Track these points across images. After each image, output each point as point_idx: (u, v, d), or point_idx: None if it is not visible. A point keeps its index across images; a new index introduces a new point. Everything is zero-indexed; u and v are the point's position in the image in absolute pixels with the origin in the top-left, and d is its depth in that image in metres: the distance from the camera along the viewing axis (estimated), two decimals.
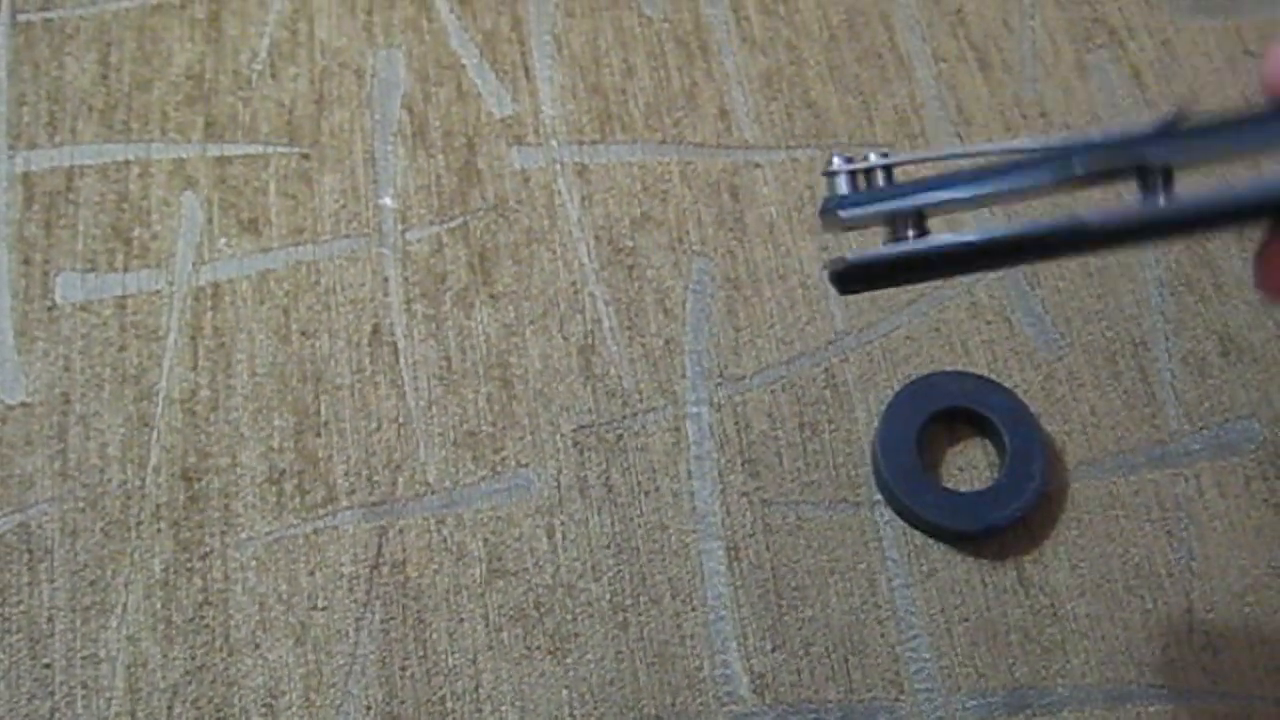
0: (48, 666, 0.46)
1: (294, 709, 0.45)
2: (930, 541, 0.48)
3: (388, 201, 0.53)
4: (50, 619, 0.46)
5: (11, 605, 0.46)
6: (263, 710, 0.45)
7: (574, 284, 0.51)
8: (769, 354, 0.50)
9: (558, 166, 0.53)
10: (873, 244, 0.34)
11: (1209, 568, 0.47)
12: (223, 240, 0.52)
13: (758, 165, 0.54)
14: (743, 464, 0.49)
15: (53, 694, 0.45)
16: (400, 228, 0.52)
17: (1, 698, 0.45)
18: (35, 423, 0.49)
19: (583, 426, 0.49)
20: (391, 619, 0.46)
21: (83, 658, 0.46)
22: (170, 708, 0.45)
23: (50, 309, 0.51)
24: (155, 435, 0.49)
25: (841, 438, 0.49)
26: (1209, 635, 0.46)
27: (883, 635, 0.46)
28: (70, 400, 0.49)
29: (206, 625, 0.46)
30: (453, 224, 0.52)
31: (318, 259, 0.52)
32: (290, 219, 0.52)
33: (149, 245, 0.52)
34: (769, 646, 0.46)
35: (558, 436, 0.49)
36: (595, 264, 0.52)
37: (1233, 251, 0.53)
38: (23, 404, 0.49)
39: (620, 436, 0.49)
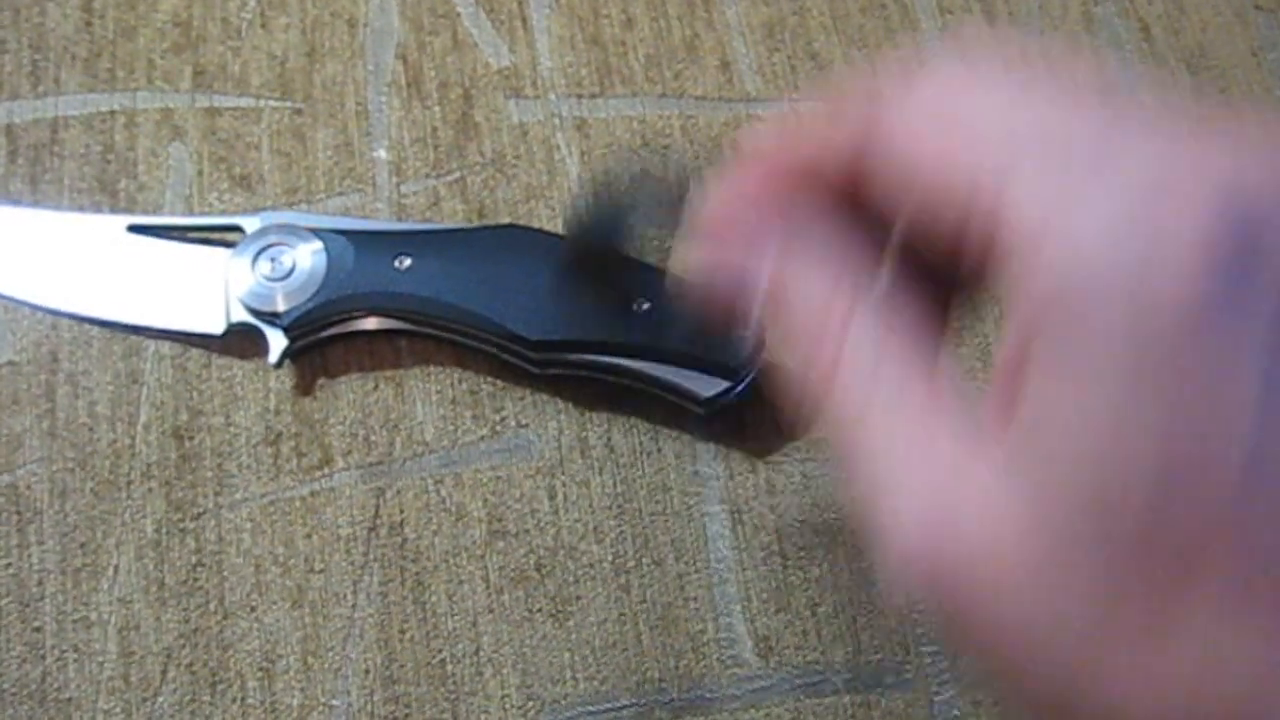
0: (38, 630, 0.45)
1: (291, 672, 0.44)
2: None
3: (382, 154, 0.52)
4: (40, 581, 0.45)
5: (0, 568, 0.45)
6: (259, 674, 0.44)
7: None
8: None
9: (556, 120, 0.52)
10: None
11: None
12: (213, 195, 0.51)
13: (760, 119, 0.53)
14: (745, 423, 0.48)
15: (44, 658, 0.44)
16: (395, 181, 0.51)
17: None
18: (22, 381, 0.48)
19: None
20: (390, 581, 0.46)
21: (74, 621, 0.45)
22: (164, 671, 0.44)
23: None
24: (145, 392, 0.48)
25: None
26: None
27: (890, 596, 0.46)
28: (58, 358, 0.48)
29: (200, 588, 0.45)
30: (449, 178, 0.51)
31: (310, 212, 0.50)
32: (285, 177, 0.51)
33: (136, 198, 0.51)
34: (773, 608, 0.46)
35: (559, 396, 0.48)
36: None
37: None
38: (10, 362, 0.48)
39: (622, 396, 0.48)
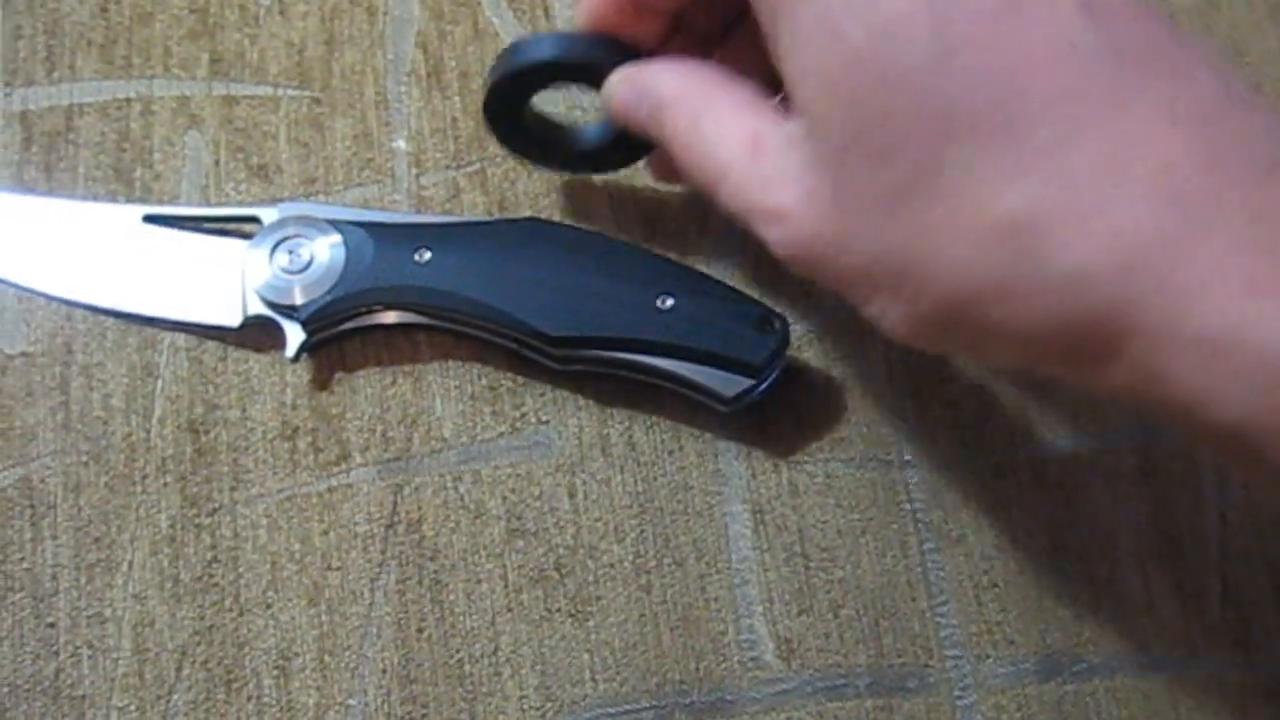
0: (52, 626, 0.44)
1: (307, 671, 0.44)
2: (962, 505, 0.46)
3: (401, 144, 0.51)
4: (54, 576, 0.45)
5: (14, 562, 0.45)
6: (275, 672, 0.44)
7: None
8: (795, 305, 0.49)
9: (579, 111, 0.51)
10: None
11: (1240, 535, 0.46)
12: (230, 185, 0.50)
13: None
14: (768, 422, 0.47)
15: (57, 654, 0.44)
16: (414, 172, 0.50)
17: (5, 658, 0.44)
18: (36, 373, 0.47)
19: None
20: (408, 579, 0.45)
21: (88, 617, 0.44)
22: (179, 669, 0.44)
23: None
24: (160, 385, 0.47)
25: (870, 391, 0.48)
26: (1240, 606, 0.45)
27: (913, 599, 0.45)
28: (72, 350, 0.47)
29: (216, 584, 0.45)
30: (470, 169, 0.50)
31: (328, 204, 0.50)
32: (302, 167, 0.50)
33: (151, 186, 0.50)
34: (795, 610, 0.45)
35: (580, 393, 0.47)
36: (614, 212, 0.50)
37: None
38: (23, 353, 0.47)
39: (643, 393, 0.47)
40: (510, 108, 0.45)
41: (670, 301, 0.45)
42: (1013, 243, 0.31)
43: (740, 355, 0.45)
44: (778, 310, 0.46)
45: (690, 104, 0.39)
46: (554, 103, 0.51)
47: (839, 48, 0.33)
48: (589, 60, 0.43)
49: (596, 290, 0.46)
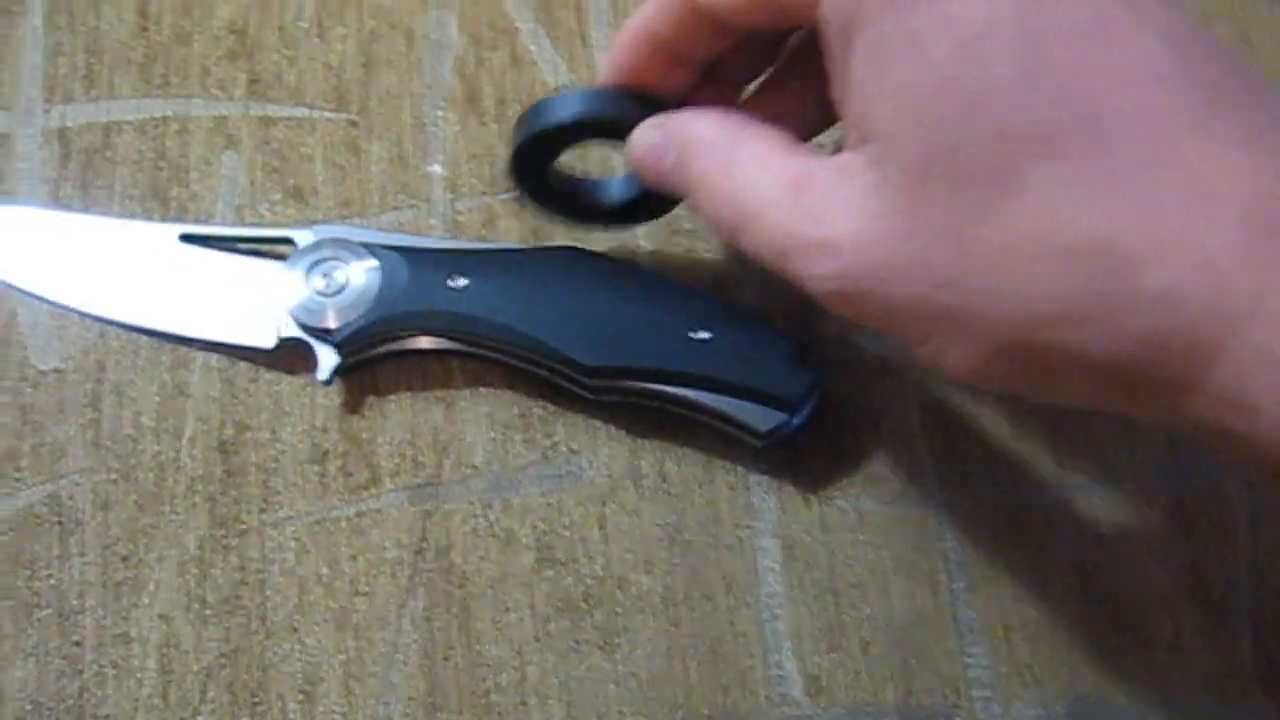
0: (77, 644, 0.44)
1: (332, 696, 0.43)
2: (993, 544, 0.46)
3: (437, 169, 0.51)
4: (81, 594, 0.44)
5: (41, 579, 0.45)
6: (300, 697, 0.43)
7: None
8: (829, 340, 0.48)
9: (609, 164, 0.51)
10: None
11: (1273, 579, 0.46)
12: (265, 206, 0.50)
13: None
14: (800, 456, 0.47)
15: (81, 673, 0.44)
16: (450, 197, 0.50)
17: (30, 676, 0.43)
18: (68, 389, 0.47)
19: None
20: (435, 606, 0.45)
21: (113, 636, 0.44)
22: (204, 691, 0.43)
23: None
24: (191, 405, 0.47)
25: (903, 428, 0.47)
26: (1271, 651, 0.45)
27: (942, 638, 0.45)
28: (105, 367, 0.47)
29: (243, 606, 0.44)
30: (505, 196, 0.50)
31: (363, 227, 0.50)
32: (338, 190, 0.50)
33: (187, 206, 0.50)
34: (825, 647, 0.45)
35: (612, 423, 0.47)
36: (652, 245, 0.50)
37: None
38: (56, 370, 0.47)
39: (675, 424, 0.47)
40: (536, 168, 0.45)
41: (706, 334, 0.45)
42: (1096, 263, 0.30)
43: (775, 389, 0.45)
44: (813, 344, 0.46)
45: (722, 146, 0.39)
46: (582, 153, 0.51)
47: (923, 64, 0.32)
48: (616, 117, 0.42)
49: (632, 321, 0.46)
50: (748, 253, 0.38)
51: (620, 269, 0.48)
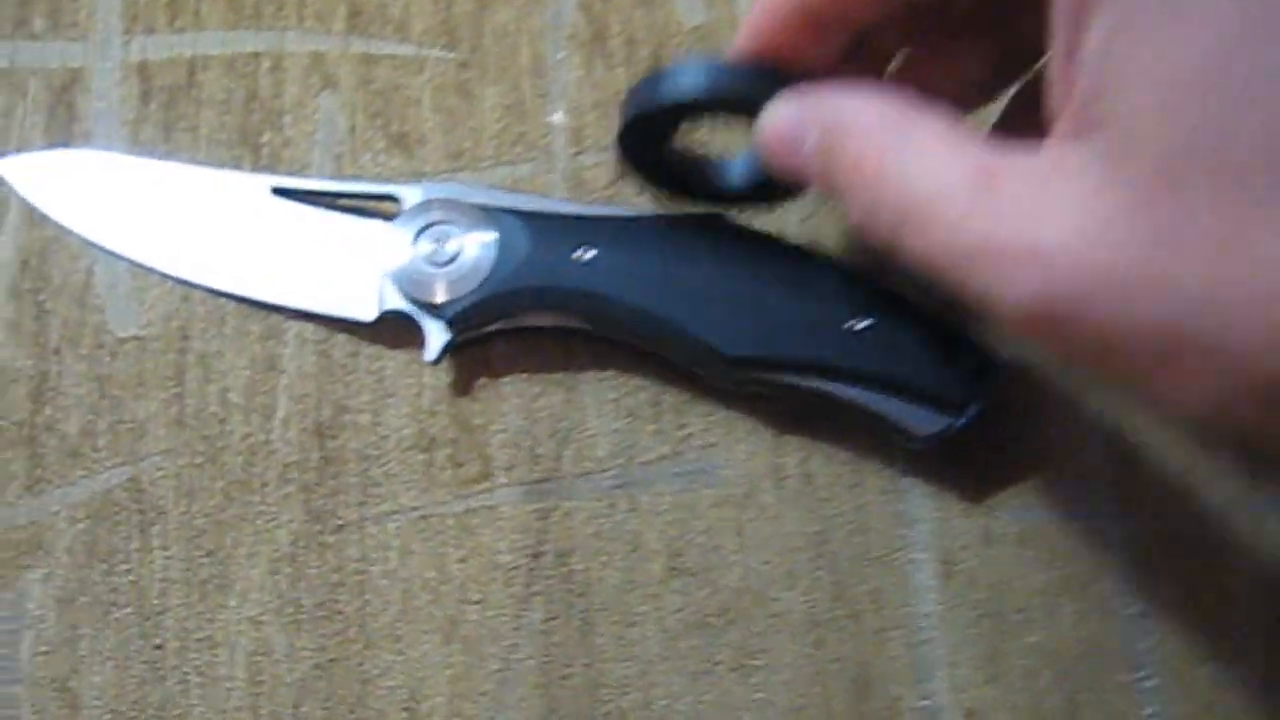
0: (159, 648, 0.40)
1: (438, 716, 0.39)
2: (1174, 565, 0.41)
3: (558, 118, 0.45)
4: (163, 593, 0.40)
5: (120, 574, 0.40)
6: (402, 714, 0.39)
7: None
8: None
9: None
10: None
11: None
12: (367, 156, 0.45)
13: None
14: (962, 459, 0.42)
15: (164, 679, 0.39)
16: (572, 150, 0.45)
17: (108, 681, 0.39)
18: (149, 360, 0.42)
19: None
20: (554, 618, 0.40)
21: (198, 640, 0.40)
22: (297, 705, 0.39)
23: None
24: (284, 381, 0.42)
25: (1078, 432, 0.42)
26: None
27: (1115, 670, 0.40)
28: (189, 336, 0.43)
29: (340, 612, 0.40)
30: None
31: (477, 184, 0.44)
32: (447, 138, 0.45)
33: (280, 154, 0.45)
34: (983, 677, 0.40)
35: (751, 414, 0.42)
36: (800, 214, 0.44)
37: None
38: (135, 337, 0.43)
39: (821, 417, 0.42)
40: (647, 146, 0.40)
41: (864, 323, 0.40)
42: None
43: (940, 390, 0.40)
44: (982, 338, 0.41)
45: (883, 130, 0.33)
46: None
47: (1192, 40, 0.27)
48: (746, 95, 0.36)
49: (781, 305, 0.40)
50: (911, 259, 0.32)
51: (768, 244, 0.42)
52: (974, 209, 0.30)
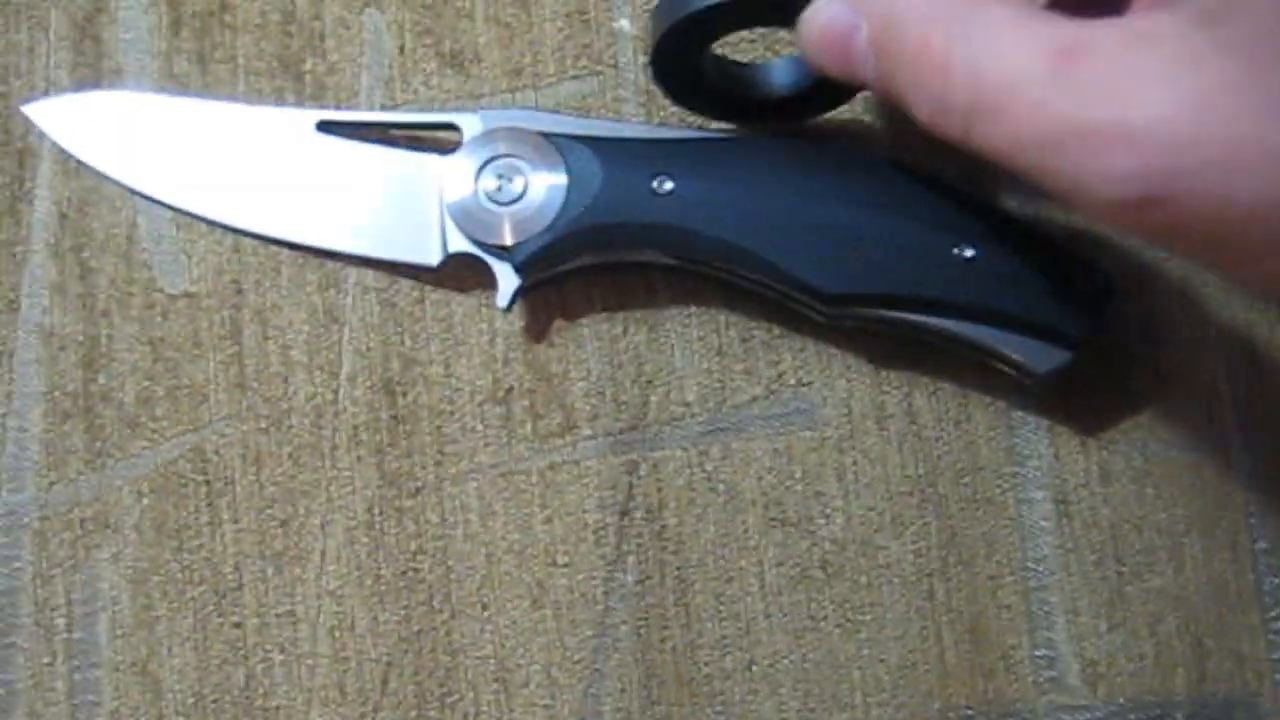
0: (238, 626, 0.38)
1: (532, 686, 0.38)
2: None
3: (625, 24, 0.41)
4: (237, 567, 0.38)
5: (191, 550, 0.38)
6: (494, 687, 0.38)
7: None
8: (1110, 250, 0.40)
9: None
10: None
11: None
12: (419, 79, 0.41)
13: None
14: (1076, 390, 0.39)
15: (246, 658, 0.38)
16: (643, 60, 0.41)
17: (189, 664, 0.38)
18: (203, 318, 0.40)
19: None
20: (648, 579, 0.38)
21: (278, 615, 0.38)
22: (384, 681, 0.38)
23: None
24: (347, 334, 0.40)
25: (1199, 357, 0.39)
26: None
27: (1244, 612, 0.38)
28: (243, 290, 0.40)
29: (423, 580, 0.38)
30: None
31: (542, 107, 0.41)
32: (505, 54, 0.41)
33: (325, 82, 0.41)
34: (1105, 625, 0.38)
35: (848, 349, 0.39)
36: (894, 127, 0.41)
37: None
38: (186, 294, 0.40)
39: (924, 349, 0.39)
40: (685, 57, 0.37)
41: (971, 251, 0.37)
42: None
43: (1058, 321, 0.37)
44: (1100, 264, 0.37)
45: (941, 15, 0.30)
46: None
47: None
48: None
49: (881, 235, 0.37)
50: (989, 151, 0.29)
51: (864, 165, 0.38)
52: (1055, 90, 0.27)
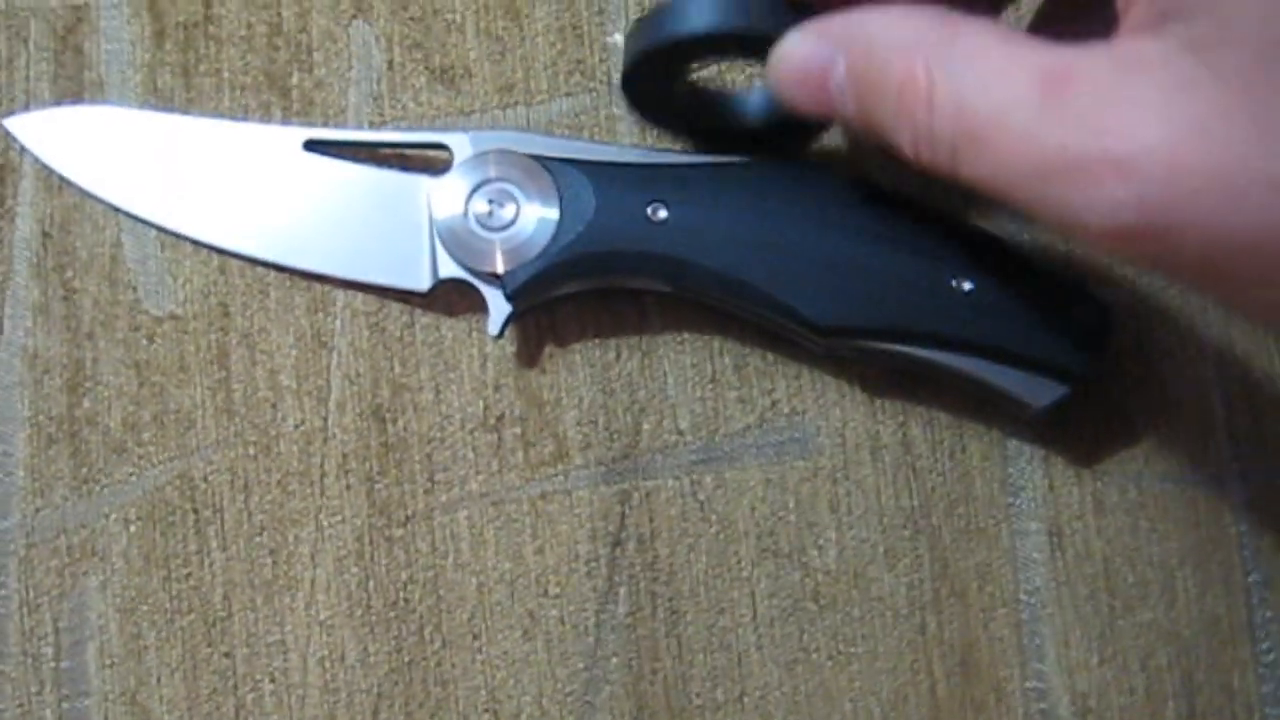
0: (228, 655, 0.38)
1: (524, 718, 0.37)
2: None
3: (618, 40, 0.40)
4: (226, 597, 0.38)
5: (180, 579, 0.38)
6: (486, 718, 0.38)
7: None
8: (1106, 279, 0.39)
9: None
10: None
11: None
12: (408, 95, 0.40)
13: None
14: (1071, 421, 0.38)
15: (236, 689, 0.38)
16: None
17: (179, 694, 0.38)
18: (189, 341, 0.39)
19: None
20: (639, 610, 0.38)
21: (268, 645, 0.38)
22: (375, 712, 0.38)
23: None
24: (336, 360, 0.39)
25: (1195, 388, 0.39)
26: None
27: (1235, 645, 0.38)
28: (229, 312, 0.39)
29: (413, 611, 0.38)
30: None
31: (534, 125, 0.40)
32: (496, 70, 0.40)
33: (313, 97, 0.40)
34: (1096, 658, 0.38)
35: (842, 378, 0.39)
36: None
37: None
38: (173, 316, 0.39)
39: (918, 379, 0.39)
40: (656, 86, 0.36)
41: (969, 284, 0.36)
42: None
43: (1055, 358, 0.36)
44: (1099, 294, 0.37)
45: (923, 45, 0.29)
46: None
47: None
48: (763, 32, 0.33)
49: (878, 266, 0.36)
50: (977, 182, 0.28)
51: (860, 194, 0.38)
52: (1043, 119, 0.27)
